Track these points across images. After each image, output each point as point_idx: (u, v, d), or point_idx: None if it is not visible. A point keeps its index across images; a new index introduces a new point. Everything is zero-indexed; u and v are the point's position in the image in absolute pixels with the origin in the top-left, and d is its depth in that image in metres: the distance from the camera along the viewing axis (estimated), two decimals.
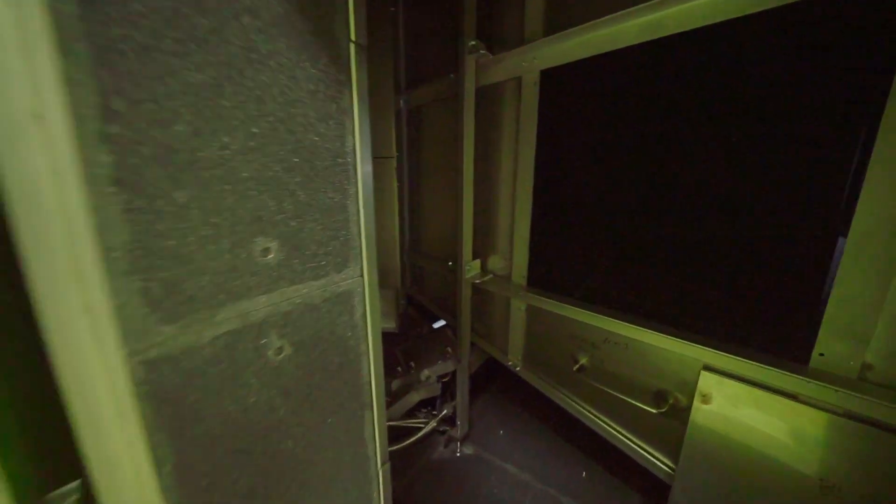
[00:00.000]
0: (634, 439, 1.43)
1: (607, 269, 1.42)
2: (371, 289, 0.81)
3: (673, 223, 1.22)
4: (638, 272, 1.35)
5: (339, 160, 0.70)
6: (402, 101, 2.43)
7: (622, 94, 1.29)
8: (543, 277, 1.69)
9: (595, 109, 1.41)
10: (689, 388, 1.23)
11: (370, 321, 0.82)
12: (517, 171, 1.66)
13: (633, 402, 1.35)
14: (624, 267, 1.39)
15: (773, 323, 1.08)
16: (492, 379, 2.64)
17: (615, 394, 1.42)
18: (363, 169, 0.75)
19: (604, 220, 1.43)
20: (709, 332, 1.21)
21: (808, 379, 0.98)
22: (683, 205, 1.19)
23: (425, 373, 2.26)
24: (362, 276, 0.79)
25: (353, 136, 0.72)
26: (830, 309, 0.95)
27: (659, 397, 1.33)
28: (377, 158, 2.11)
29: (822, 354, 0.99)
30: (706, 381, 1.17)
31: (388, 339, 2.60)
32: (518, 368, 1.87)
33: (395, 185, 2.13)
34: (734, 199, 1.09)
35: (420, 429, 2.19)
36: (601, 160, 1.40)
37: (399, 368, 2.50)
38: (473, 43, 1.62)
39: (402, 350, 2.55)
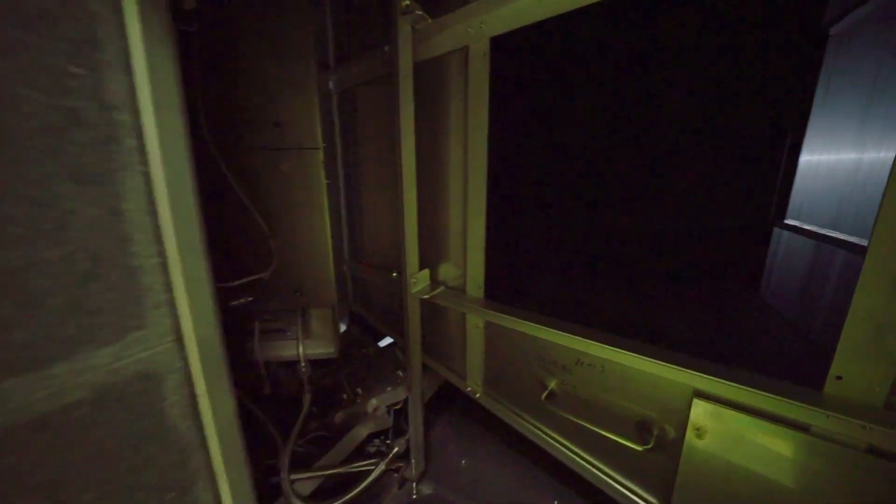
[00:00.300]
0: (617, 476, 1.22)
1: (580, 276, 1.17)
2: (208, 353, 0.46)
3: (657, 216, 1.00)
4: (618, 277, 1.11)
5: (92, 121, 0.34)
6: (330, 83, 2.04)
7: (588, 62, 1.05)
8: (503, 288, 1.42)
9: (558, 83, 1.15)
10: (678, 417, 1.03)
11: (211, 411, 0.47)
12: (468, 162, 1.37)
13: (613, 436, 1.13)
14: (601, 272, 1.15)
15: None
16: (451, 399, 2.36)
17: (591, 427, 1.19)
18: (167, 141, 0.39)
19: (575, 217, 1.18)
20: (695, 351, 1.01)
21: (821, 409, 0.80)
22: (667, 195, 0.97)
23: (373, 403, 1.92)
24: (179, 338, 0.43)
25: (129, 75, 0.36)
26: (850, 324, 0.77)
27: (643, 428, 1.12)
28: (300, 150, 1.71)
29: (839, 378, 0.81)
30: (699, 411, 0.97)
31: (327, 364, 2.23)
32: (478, 395, 1.59)
33: (324, 182, 1.74)
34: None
35: (369, 472, 1.83)
36: (568, 144, 1.15)
37: (344, 396, 2.14)
38: (407, 3, 1.29)
39: (346, 375, 2.20)
